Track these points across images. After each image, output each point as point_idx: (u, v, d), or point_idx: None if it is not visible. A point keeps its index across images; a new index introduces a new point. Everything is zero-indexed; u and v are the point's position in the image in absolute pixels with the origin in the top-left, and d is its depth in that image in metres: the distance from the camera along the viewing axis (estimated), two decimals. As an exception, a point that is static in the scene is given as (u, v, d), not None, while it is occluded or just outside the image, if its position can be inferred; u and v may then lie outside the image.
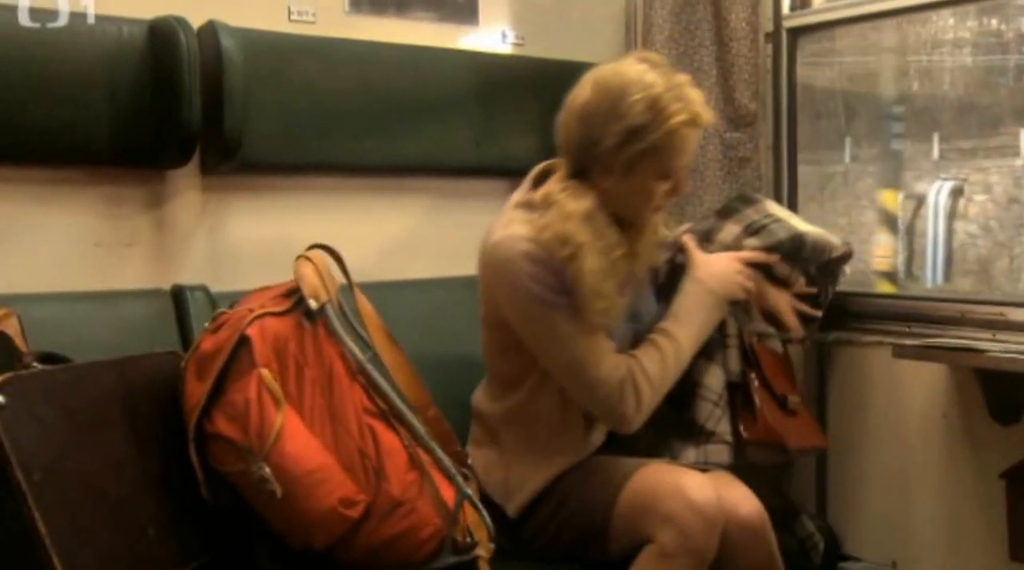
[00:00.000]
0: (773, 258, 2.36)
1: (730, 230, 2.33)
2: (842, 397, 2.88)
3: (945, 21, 4.06)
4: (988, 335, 2.51)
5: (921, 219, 4.56)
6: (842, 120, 4.18)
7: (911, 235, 4.57)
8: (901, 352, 2.49)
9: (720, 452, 2.22)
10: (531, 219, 2.11)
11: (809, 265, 2.42)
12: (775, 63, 3.00)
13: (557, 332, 2.10)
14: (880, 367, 2.72)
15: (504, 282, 2.13)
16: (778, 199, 2.98)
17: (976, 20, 4.08)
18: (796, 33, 3.00)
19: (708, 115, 2.12)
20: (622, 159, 2.08)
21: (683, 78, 2.14)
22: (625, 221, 2.18)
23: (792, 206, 3.00)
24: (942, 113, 4.45)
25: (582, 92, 2.13)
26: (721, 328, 2.30)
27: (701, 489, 2.01)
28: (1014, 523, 2.50)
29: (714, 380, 2.27)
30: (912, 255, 4.60)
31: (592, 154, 2.11)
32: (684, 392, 2.25)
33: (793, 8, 3.02)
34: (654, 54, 2.26)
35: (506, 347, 2.21)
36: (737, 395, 2.32)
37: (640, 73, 2.09)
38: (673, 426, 2.26)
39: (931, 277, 4.49)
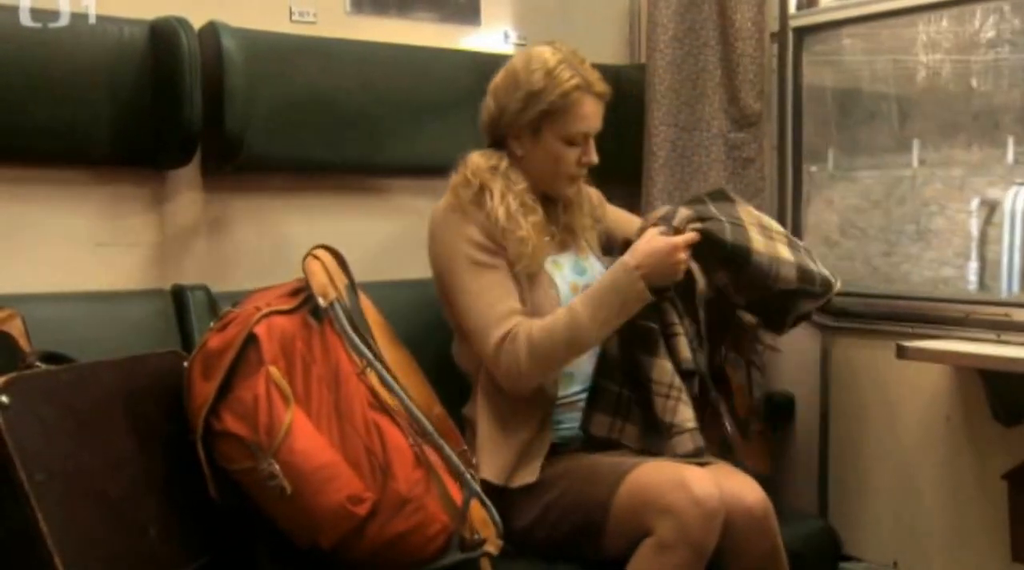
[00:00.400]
0: (693, 237, 2.25)
1: (683, 214, 2.29)
2: (845, 397, 2.88)
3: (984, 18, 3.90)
4: (993, 336, 2.51)
5: (994, 226, 4.36)
6: (895, 122, 4.09)
7: (984, 243, 4.36)
8: (904, 353, 2.48)
9: (683, 442, 2.19)
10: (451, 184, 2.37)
11: (752, 288, 2.29)
12: (781, 63, 2.98)
13: (462, 280, 2.28)
14: (883, 367, 2.71)
15: (432, 245, 2.36)
16: (781, 200, 2.99)
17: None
18: (802, 32, 2.99)
19: (602, 86, 2.33)
20: (525, 122, 2.32)
21: (582, 59, 2.35)
22: (550, 196, 2.40)
23: (796, 208, 3.01)
24: (1006, 114, 4.21)
25: (496, 76, 2.40)
26: (664, 317, 2.26)
27: (702, 482, 2.02)
28: (1016, 524, 2.50)
29: (662, 373, 2.24)
30: (985, 264, 4.38)
31: (501, 123, 2.36)
32: (643, 392, 2.25)
33: (799, 7, 3.00)
34: (562, 43, 2.40)
35: (461, 334, 2.35)
36: (693, 382, 2.29)
37: (541, 51, 2.34)
38: (650, 427, 2.25)
39: (1007, 286, 4.27)
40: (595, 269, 2.43)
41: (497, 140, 2.39)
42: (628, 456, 2.22)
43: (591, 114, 2.32)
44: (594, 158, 2.35)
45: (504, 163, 2.35)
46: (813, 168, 3.45)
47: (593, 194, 2.55)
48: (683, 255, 2.20)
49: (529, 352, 2.18)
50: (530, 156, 2.35)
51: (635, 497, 2.06)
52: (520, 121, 2.32)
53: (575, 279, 2.38)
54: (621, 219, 2.60)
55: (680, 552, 1.99)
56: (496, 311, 2.23)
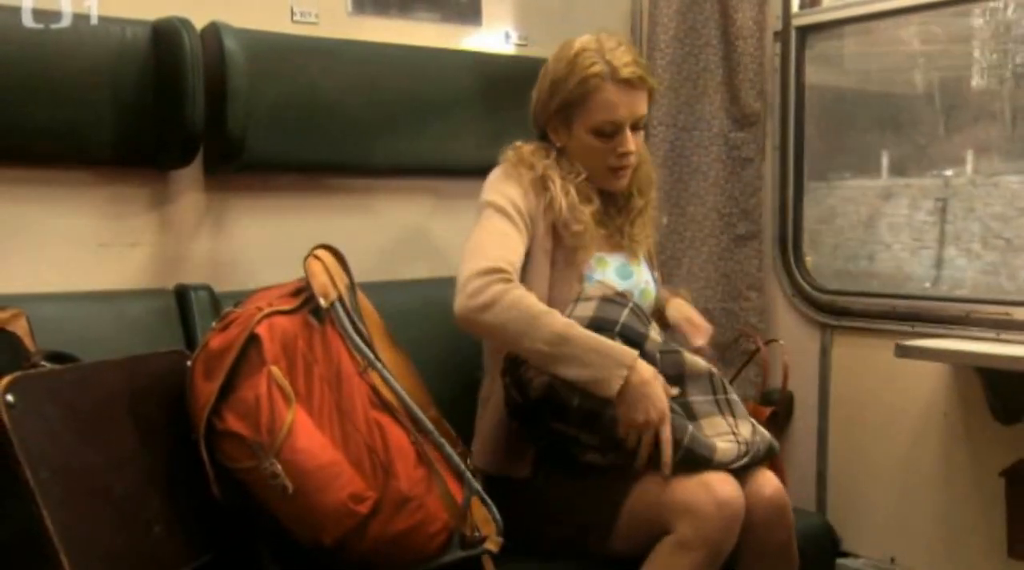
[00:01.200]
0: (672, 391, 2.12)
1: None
2: (844, 395, 2.89)
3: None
4: (993, 335, 2.52)
5: None
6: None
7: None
8: (904, 352, 2.49)
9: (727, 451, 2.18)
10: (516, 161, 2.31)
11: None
12: (783, 62, 2.98)
13: (483, 219, 2.22)
14: (883, 366, 2.71)
15: (484, 189, 2.28)
16: (783, 202, 2.99)
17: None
18: (805, 32, 2.99)
19: (631, 71, 2.22)
20: (553, 111, 2.28)
21: (618, 44, 2.27)
22: (606, 195, 2.34)
23: (797, 209, 3.01)
24: None
25: None
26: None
27: (724, 485, 2.01)
28: (1013, 521, 2.52)
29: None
30: None
31: (538, 114, 2.34)
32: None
33: (802, 6, 3.00)
34: (612, 32, 2.35)
35: None
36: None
37: (576, 40, 2.29)
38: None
39: None
40: (642, 276, 2.38)
41: (541, 133, 2.36)
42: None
43: (617, 102, 2.23)
44: (628, 147, 2.26)
45: (553, 154, 2.30)
46: (949, 172, 3.30)
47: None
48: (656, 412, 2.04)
49: (496, 313, 2.06)
50: (569, 148, 2.30)
51: (653, 496, 2.04)
52: (549, 111, 2.29)
53: (615, 280, 2.32)
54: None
55: (699, 552, 1.99)
56: (497, 252, 2.14)
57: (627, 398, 2.03)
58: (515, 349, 2.13)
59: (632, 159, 2.30)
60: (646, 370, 2.05)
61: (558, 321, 2.07)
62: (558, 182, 2.25)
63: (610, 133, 2.26)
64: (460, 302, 2.10)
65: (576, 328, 2.07)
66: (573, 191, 2.25)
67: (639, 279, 2.37)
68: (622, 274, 2.35)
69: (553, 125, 2.31)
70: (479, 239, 2.18)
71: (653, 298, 2.41)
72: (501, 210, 2.22)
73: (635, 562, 2.06)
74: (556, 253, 2.28)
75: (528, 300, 2.09)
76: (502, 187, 2.25)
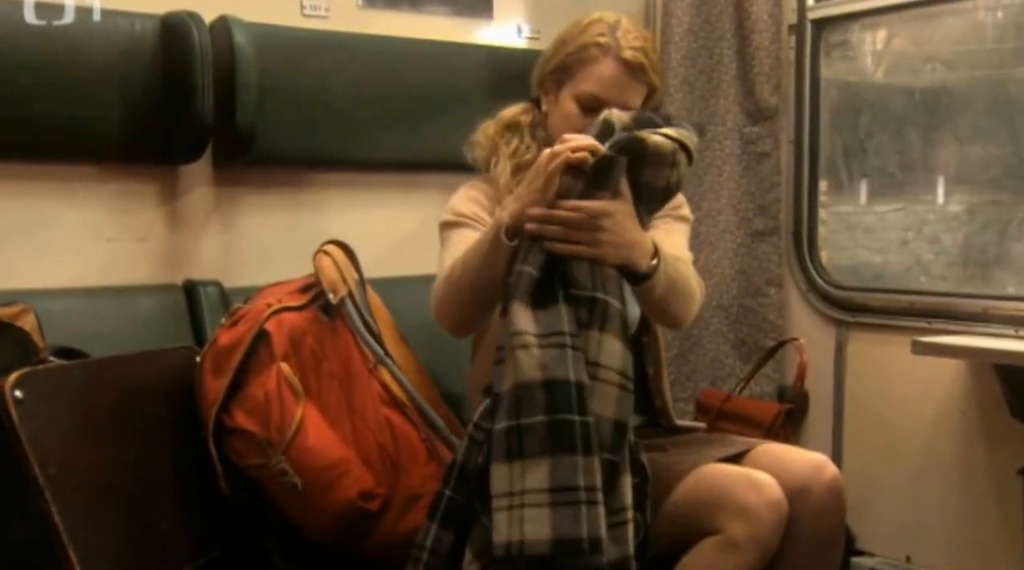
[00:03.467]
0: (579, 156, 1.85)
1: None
2: (860, 391, 2.88)
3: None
4: (1011, 331, 2.50)
5: None
6: None
7: None
8: (920, 349, 2.48)
9: None
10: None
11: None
12: (798, 56, 2.98)
13: (442, 245, 2.17)
14: (899, 362, 2.70)
15: None
16: (798, 196, 2.99)
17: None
18: (820, 25, 2.98)
19: (632, 53, 2.15)
20: (549, 71, 2.22)
21: (642, 33, 2.22)
22: None
23: (812, 203, 3.00)
24: None
25: None
26: None
27: (772, 487, 1.97)
28: (1030, 520, 2.50)
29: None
30: None
31: (537, 72, 2.27)
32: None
33: (817, -1, 3.00)
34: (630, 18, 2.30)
35: None
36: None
37: (606, 12, 2.23)
38: None
39: None
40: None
41: (536, 97, 2.31)
42: (672, 454, 2.16)
43: (607, 77, 2.15)
44: None
45: (528, 119, 2.27)
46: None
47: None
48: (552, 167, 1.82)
49: (435, 289, 2.04)
50: (551, 113, 2.24)
51: (699, 494, 2.00)
52: (546, 69, 2.24)
53: None
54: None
55: (748, 552, 1.94)
56: (446, 263, 2.09)
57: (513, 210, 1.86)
58: (468, 296, 2.00)
59: None
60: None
61: (459, 257, 2.00)
62: (501, 158, 2.23)
63: (591, 107, 2.16)
64: (433, 313, 2.07)
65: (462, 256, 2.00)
66: (510, 169, 2.19)
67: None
68: None
69: (546, 86, 2.25)
70: (439, 263, 2.14)
71: None
72: (448, 225, 2.19)
73: (661, 560, 2.03)
74: None
75: (442, 273, 2.05)
76: (451, 204, 2.23)
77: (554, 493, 1.64)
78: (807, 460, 2.08)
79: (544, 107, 2.26)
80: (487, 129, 2.29)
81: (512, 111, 2.30)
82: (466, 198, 2.22)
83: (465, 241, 2.06)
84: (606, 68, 2.16)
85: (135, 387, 1.89)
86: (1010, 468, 2.52)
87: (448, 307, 2.03)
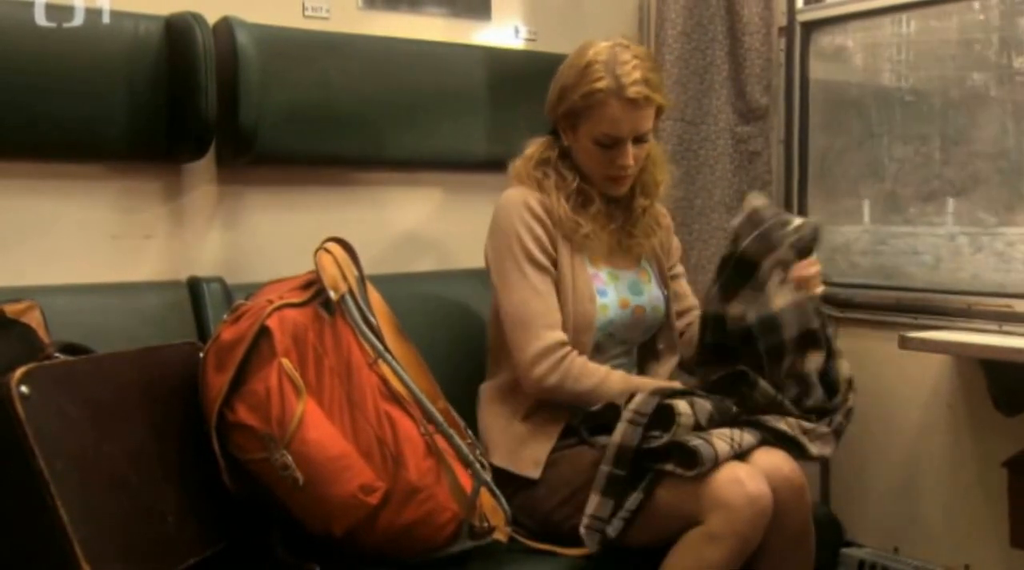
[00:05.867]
0: None
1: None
2: (848, 386, 2.89)
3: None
4: (995, 326, 2.53)
5: None
6: None
7: None
8: (907, 344, 2.50)
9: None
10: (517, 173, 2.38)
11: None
12: (788, 57, 3.00)
13: (517, 270, 2.27)
14: (886, 358, 2.72)
15: (493, 227, 2.34)
16: (788, 194, 3.01)
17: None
18: (810, 27, 3.01)
19: (637, 90, 2.24)
20: (561, 116, 2.33)
21: (635, 57, 2.29)
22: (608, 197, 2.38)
23: (802, 200, 3.02)
24: None
25: None
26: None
27: (754, 480, 2.02)
28: (1016, 511, 2.52)
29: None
30: None
31: (549, 113, 2.37)
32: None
33: (807, 2, 3.02)
34: (634, 41, 2.38)
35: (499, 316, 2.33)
36: None
37: (592, 45, 2.31)
38: None
39: None
40: (652, 294, 2.42)
41: (553, 129, 2.40)
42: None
43: (619, 118, 2.26)
44: (627, 161, 2.30)
45: (555, 154, 2.36)
46: None
47: (664, 219, 2.51)
48: None
49: (570, 379, 2.22)
50: (574, 148, 2.35)
51: (684, 489, 2.03)
52: (556, 114, 2.34)
53: (628, 296, 2.36)
54: (673, 254, 2.57)
55: (728, 544, 2.00)
56: (547, 319, 2.25)
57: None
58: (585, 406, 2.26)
59: (630, 171, 2.34)
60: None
61: (615, 383, 2.24)
62: (553, 194, 2.32)
63: (610, 145, 2.29)
64: (531, 383, 2.25)
65: (631, 381, 2.26)
66: (565, 200, 2.31)
67: (650, 296, 2.41)
68: (634, 290, 2.39)
69: (562, 126, 2.35)
70: (524, 303, 2.26)
71: (662, 315, 2.44)
72: (531, 260, 2.27)
73: (651, 553, 2.07)
74: (569, 267, 2.32)
75: (588, 368, 2.24)
76: (528, 223, 2.29)
77: None
78: (773, 459, 2.11)
79: (565, 142, 2.36)
80: (519, 168, 2.39)
81: (537, 148, 2.39)
82: (536, 223, 2.30)
83: (548, 293, 2.28)
84: (614, 110, 2.26)
85: (139, 382, 1.90)
86: (995, 460, 2.55)
87: (576, 396, 2.25)
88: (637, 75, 2.25)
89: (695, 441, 2.01)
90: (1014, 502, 2.52)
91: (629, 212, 2.42)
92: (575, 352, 2.25)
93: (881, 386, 2.79)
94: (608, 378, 2.25)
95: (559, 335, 2.25)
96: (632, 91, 2.24)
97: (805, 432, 2.18)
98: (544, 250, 2.29)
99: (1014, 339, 2.44)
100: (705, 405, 2.10)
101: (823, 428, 2.21)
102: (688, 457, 2.01)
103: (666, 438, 2.04)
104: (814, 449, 2.18)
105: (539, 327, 2.24)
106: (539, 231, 2.29)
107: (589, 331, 2.31)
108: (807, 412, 2.21)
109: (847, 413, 2.28)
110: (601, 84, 2.24)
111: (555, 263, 2.30)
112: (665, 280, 2.50)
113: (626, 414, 2.08)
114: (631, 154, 2.30)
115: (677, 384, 2.27)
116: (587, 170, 2.35)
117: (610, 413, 2.15)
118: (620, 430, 2.06)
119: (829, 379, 2.27)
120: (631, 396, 2.11)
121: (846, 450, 2.86)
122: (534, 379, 2.24)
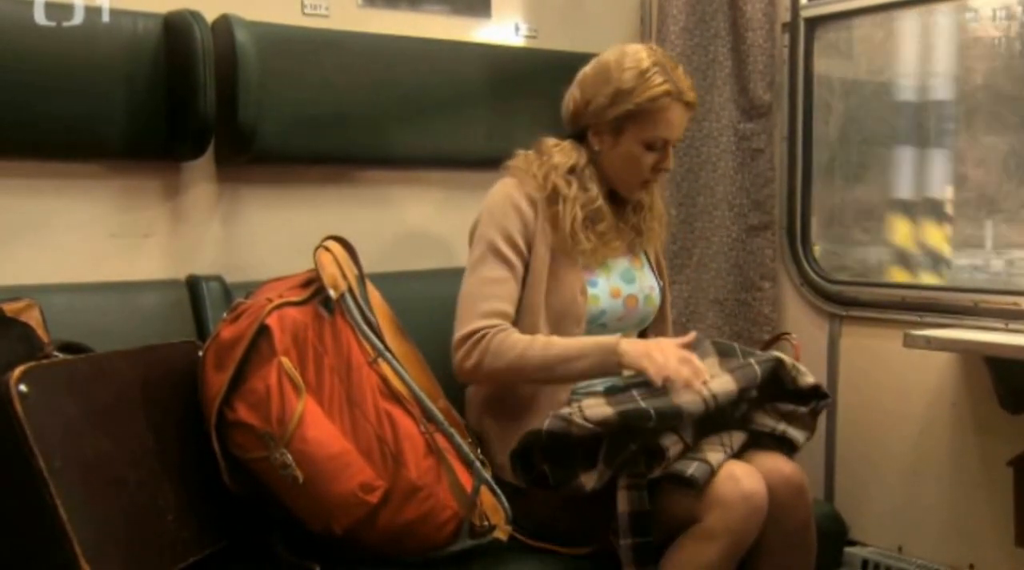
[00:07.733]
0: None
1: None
2: (852, 384, 2.89)
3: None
4: (1001, 324, 2.52)
5: None
6: None
7: None
8: (912, 342, 2.48)
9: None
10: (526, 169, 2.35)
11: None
12: (792, 53, 2.98)
13: (478, 259, 2.28)
14: (891, 355, 2.71)
15: (482, 212, 2.33)
16: (791, 192, 3.00)
17: None
18: (814, 23, 2.99)
19: (693, 95, 2.32)
20: (610, 118, 2.30)
21: (676, 65, 2.35)
22: (620, 197, 2.39)
23: (804, 197, 3.01)
24: None
25: (586, 67, 2.38)
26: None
27: (750, 478, 2.03)
28: (1021, 510, 2.52)
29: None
30: None
31: (585, 115, 2.34)
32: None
33: (811, -3, 3.00)
34: (657, 47, 2.42)
35: None
36: None
37: (636, 50, 2.33)
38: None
39: None
40: (645, 281, 2.42)
41: (578, 133, 2.38)
42: None
43: (676, 122, 2.31)
44: (670, 164, 2.35)
45: (584, 161, 2.34)
46: None
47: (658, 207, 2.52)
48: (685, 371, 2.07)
49: (492, 364, 2.18)
50: (608, 154, 2.34)
51: (682, 491, 2.04)
52: (604, 117, 2.31)
53: (619, 285, 2.36)
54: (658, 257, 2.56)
55: (723, 541, 2.01)
56: (484, 307, 2.23)
57: (635, 358, 2.11)
58: (524, 382, 2.27)
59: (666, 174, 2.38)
60: (634, 341, 2.18)
61: (537, 350, 2.18)
62: (568, 202, 2.30)
63: (659, 147, 2.31)
64: (455, 365, 2.24)
65: (553, 345, 2.19)
66: (580, 213, 2.30)
67: (642, 284, 2.41)
68: (625, 278, 2.39)
69: (599, 130, 2.33)
70: (470, 290, 2.27)
71: (656, 304, 2.44)
72: (495, 252, 2.27)
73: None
74: (556, 263, 2.31)
75: (507, 343, 2.19)
76: (501, 219, 2.29)
77: None
78: (772, 461, 2.13)
79: (595, 147, 2.35)
80: (545, 172, 2.33)
81: (565, 155, 2.35)
82: (516, 218, 2.30)
83: (502, 284, 2.25)
84: (675, 115, 2.30)
85: (139, 381, 1.90)
86: (1000, 459, 2.54)
87: (498, 373, 2.22)
88: (689, 80, 2.33)
89: (690, 469, 2.02)
90: (1019, 501, 2.51)
91: (639, 209, 2.43)
92: (498, 329, 2.21)
93: (886, 384, 2.79)
94: (531, 346, 2.18)
95: (490, 321, 2.22)
96: (690, 95, 2.31)
97: (784, 417, 2.21)
98: (511, 242, 2.27)
99: (1020, 337, 2.43)
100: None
101: (801, 409, 2.22)
102: (686, 484, 2.02)
103: (659, 471, 2.04)
104: (800, 437, 2.21)
105: (472, 315, 2.23)
106: (514, 224, 2.28)
107: (579, 324, 2.29)
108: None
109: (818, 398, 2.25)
110: (666, 87, 2.27)
111: (524, 257, 2.29)
112: (661, 268, 2.50)
113: (622, 480, 2.04)
114: (672, 156, 2.35)
115: (617, 337, 2.20)
116: (618, 176, 2.36)
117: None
118: (624, 498, 2.04)
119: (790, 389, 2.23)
120: (579, 405, 2.07)
121: (850, 448, 2.88)
122: (455, 365, 2.23)
